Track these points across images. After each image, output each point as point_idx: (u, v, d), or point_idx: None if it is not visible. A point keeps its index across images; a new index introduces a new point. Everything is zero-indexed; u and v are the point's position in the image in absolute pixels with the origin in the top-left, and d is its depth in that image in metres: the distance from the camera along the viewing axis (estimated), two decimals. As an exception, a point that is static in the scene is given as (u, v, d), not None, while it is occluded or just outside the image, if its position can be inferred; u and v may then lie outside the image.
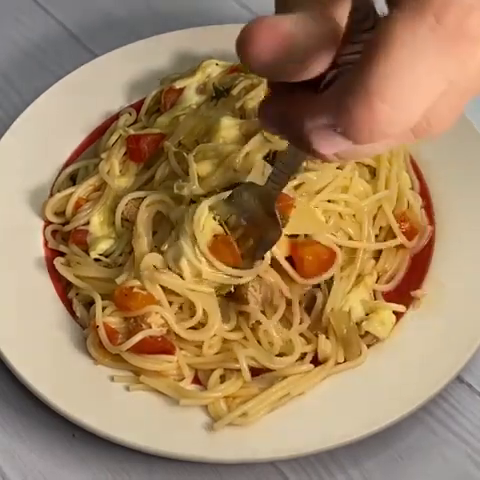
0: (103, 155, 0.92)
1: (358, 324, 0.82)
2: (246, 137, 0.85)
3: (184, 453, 0.75)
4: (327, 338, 0.81)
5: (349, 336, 0.81)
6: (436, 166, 0.93)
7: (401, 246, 0.87)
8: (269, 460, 0.76)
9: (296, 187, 0.82)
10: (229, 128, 0.86)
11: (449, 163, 0.93)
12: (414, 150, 0.94)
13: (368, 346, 0.81)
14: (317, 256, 0.81)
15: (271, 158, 0.84)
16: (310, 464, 0.77)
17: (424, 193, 0.92)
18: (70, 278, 0.86)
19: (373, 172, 0.88)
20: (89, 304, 0.85)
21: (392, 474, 0.77)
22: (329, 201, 0.83)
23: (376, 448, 0.78)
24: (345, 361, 0.80)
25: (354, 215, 0.85)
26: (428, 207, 0.91)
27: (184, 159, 0.85)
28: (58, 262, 0.87)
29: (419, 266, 0.87)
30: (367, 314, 0.83)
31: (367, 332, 0.82)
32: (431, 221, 0.89)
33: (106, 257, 0.87)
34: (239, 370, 0.79)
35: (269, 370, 0.80)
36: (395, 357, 0.81)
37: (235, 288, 0.80)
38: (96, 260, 0.87)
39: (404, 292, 0.85)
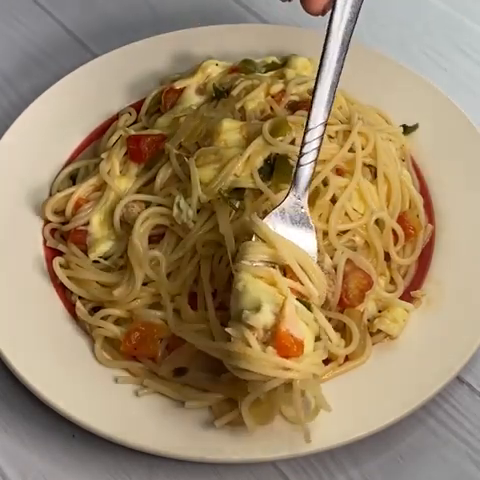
0: (103, 155, 0.92)
1: (370, 321, 0.82)
2: (247, 140, 0.85)
3: (184, 453, 0.75)
4: (342, 337, 0.81)
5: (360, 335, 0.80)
6: (436, 166, 0.93)
7: (410, 242, 0.87)
8: (269, 460, 0.76)
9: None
10: (230, 131, 0.86)
11: (449, 163, 0.93)
12: (414, 150, 0.94)
13: (375, 343, 0.81)
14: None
15: (272, 161, 0.84)
16: (310, 464, 0.77)
17: (424, 192, 0.92)
18: (65, 282, 0.86)
19: (374, 172, 0.88)
20: (92, 308, 0.85)
21: (392, 474, 0.77)
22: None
23: (376, 448, 0.78)
24: (347, 360, 0.80)
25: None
26: (428, 206, 0.91)
27: (185, 162, 0.85)
28: (57, 263, 0.87)
29: (419, 266, 0.87)
30: (379, 311, 0.83)
31: (379, 330, 0.82)
32: (431, 220, 0.90)
33: (105, 259, 0.87)
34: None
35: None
36: (395, 357, 0.81)
37: None
38: (95, 261, 0.87)
39: (404, 292, 0.85)
